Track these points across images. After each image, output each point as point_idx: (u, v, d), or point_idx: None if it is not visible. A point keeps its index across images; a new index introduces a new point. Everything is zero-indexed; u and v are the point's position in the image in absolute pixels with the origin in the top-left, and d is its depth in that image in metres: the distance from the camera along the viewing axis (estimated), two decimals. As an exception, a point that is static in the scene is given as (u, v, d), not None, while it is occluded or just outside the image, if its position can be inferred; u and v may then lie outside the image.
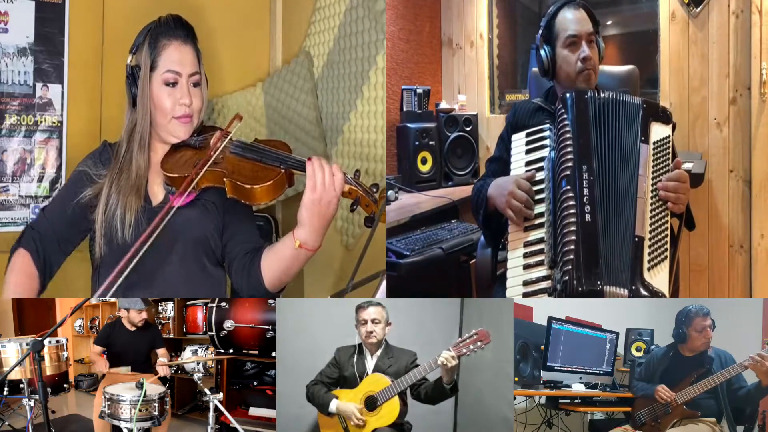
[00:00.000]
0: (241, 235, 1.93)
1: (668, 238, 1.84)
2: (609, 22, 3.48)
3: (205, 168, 1.80)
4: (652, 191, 1.85)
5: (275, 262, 1.82)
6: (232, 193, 1.79)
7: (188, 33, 1.89)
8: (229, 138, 1.89)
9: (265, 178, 1.77)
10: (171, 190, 1.87)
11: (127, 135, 1.91)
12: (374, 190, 1.81)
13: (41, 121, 2.50)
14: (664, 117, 1.99)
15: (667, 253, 1.82)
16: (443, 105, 3.67)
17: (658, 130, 1.95)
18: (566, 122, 1.93)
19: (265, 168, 1.81)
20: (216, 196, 1.88)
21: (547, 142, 2.03)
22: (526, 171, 2.00)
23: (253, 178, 1.78)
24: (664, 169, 1.89)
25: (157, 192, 1.92)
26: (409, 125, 3.45)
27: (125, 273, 1.73)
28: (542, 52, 2.15)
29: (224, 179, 1.79)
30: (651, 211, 1.83)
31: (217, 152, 1.84)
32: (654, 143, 1.92)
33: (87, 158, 1.98)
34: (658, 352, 2.51)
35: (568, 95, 1.98)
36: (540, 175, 1.96)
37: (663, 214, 1.85)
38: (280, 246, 1.82)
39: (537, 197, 1.94)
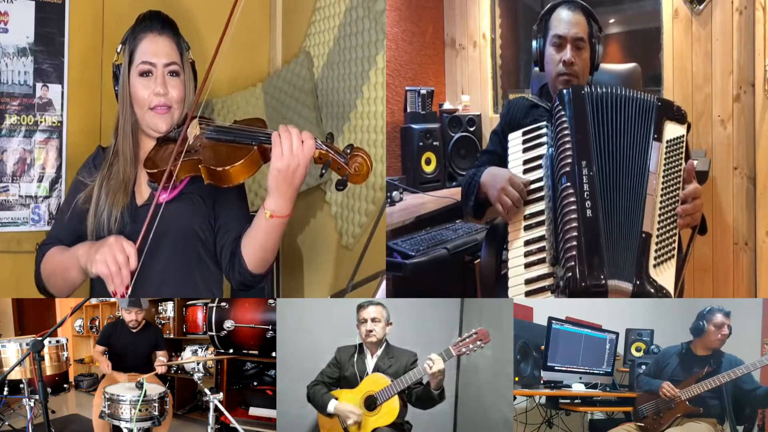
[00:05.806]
0: (228, 224, 1.91)
1: (677, 237, 1.82)
2: (611, 20, 3.46)
3: (173, 158, 1.76)
4: (662, 189, 1.83)
5: (252, 239, 1.80)
6: (208, 179, 1.77)
7: (164, 25, 1.89)
8: (195, 121, 1.84)
9: (238, 157, 1.73)
10: (155, 186, 1.85)
11: (114, 131, 1.92)
12: (347, 152, 1.75)
13: (41, 121, 2.50)
14: (679, 116, 1.97)
15: (675, 252, 1.79)
16: (447, 105, 3.66)
17: (672, 129, 1.94)
18: (564, 119, 1.92)
19: (238, 148, 1.77)
20: (203, 187, 1.84)
21: (544, 139, 2.02)
22: (524, 170, 2.00)
23: (225, 159, 1.74)
24: (677, 168, 1.88)
25: (144, 191, 1.91)
26: (412, 126, 3.44)
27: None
28: (534, 44, 2.18)
29: (199, 166, 1.77)
30: (660, 209, 1.81)
31: (187, 139, 1.80)
32: (667, 142, 1.91)
33: (82, 167, 1.99)
34: (669, 350, 2.49)
35: (565, 92, 1.98)
36: (539, 173, 1.96)
37: (673, 213, 1.82)
38: (254, 223, 1.81)
39: (536, 195, 1.93)
